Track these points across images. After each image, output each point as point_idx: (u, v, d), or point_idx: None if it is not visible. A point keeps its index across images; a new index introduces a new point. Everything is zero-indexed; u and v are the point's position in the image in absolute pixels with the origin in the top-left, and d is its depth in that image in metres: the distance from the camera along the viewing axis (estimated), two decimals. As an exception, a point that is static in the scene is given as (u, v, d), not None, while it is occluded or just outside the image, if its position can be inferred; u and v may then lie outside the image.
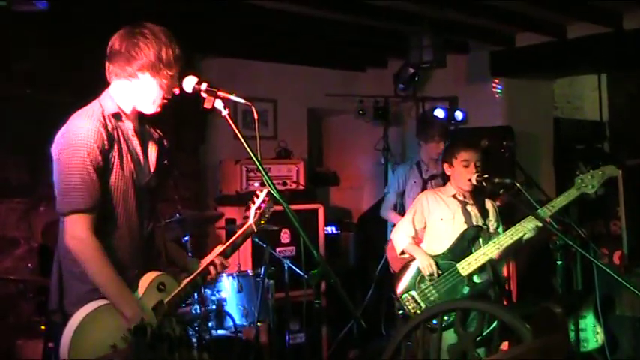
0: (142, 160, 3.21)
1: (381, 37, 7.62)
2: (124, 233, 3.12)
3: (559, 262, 5.52)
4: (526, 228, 4.74)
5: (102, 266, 2.97)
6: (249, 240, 6.30)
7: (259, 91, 7.59)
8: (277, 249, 6.44)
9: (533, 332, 2.02)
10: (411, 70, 7.64)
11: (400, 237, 5.12)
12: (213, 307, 5.40)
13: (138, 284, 3.13)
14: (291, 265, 5.97)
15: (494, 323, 3.88)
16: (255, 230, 3.52)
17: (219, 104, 3.12)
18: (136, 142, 3.19)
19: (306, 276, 5.69)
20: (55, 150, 3.04)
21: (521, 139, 7.65)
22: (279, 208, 3.21)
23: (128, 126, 3.17)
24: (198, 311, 5.20)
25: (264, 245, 5.86)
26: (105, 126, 3.03)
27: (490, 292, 5.04)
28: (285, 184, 7.23)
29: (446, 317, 3.84)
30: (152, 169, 3.26)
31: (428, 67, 7.52)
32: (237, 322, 5.46)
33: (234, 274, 5.64)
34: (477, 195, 5.04)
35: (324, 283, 6.40)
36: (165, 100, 3.21)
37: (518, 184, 4.88)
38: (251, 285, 5.65)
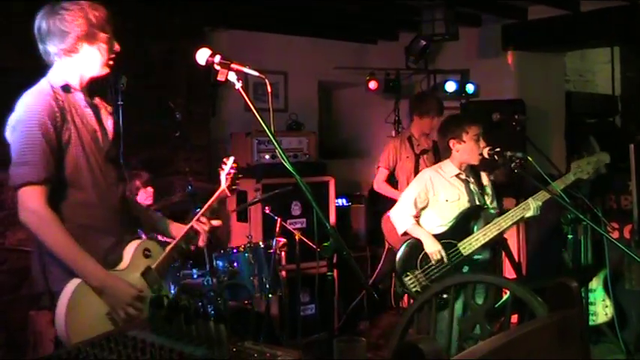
0: (98, 131, 3.20)
1: (393, 9, 7.58)
2: (95, 203, 3.12)
3: (570, 237, 5.54)
4: (526, 210, 4.72)
5: (58, 237, 2.96)
6: (260, 212, 6.40)
7: (270, 64, 7.58)
8: (288, 221, 6.46)
9: (548, 307, 2.03)
10: (423, 43, 7.61)
11: (402, 218, 5.02)
12: (225, 278, 5.43)
13: (122, 253, 3.18)
14: (303, 238, 5.99)
15: (506, 296, 3.90)
16: (229, 194, 3.72)
17: (232, 77, 3.12)
18: (89, 113, 3.18)
19: (318, 249, 5.72)
20: (8, 130, 3.04)
21: (532, 112, 7.63)
22: (290, 180, 3.23)
23: (79, 97, 3.16)
24: (211, 283, 5.24)
25: (275, 217, 5.88)
26: (55, 99, 3.02)
27: (491, 267, 5.04)
28: (296, 156, 7.23)
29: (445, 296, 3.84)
30: (110, 138, 3.27)
31: (440, 40, 7.50)
32: (249, 293, 5.50)
33: (246, 246, 5.66)
34: (473, 170, 5.01)
35: (336, 255, 6.42)
36: (111, 61, 3.22)
37: (530, 158, 4.86)
38: (262, 257, 5.68)
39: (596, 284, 6.12)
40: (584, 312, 5.04)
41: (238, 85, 3.12)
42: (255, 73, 3.15)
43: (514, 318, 5.09)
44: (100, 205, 3.14)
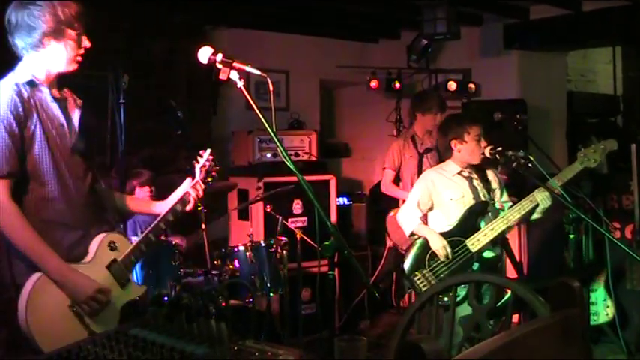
0: (65, 125, 3.21)
1: (394, 8, 7.58)
2: (59, 197, 3.14)
3: (571, 236, 5.53)
4: (533, 202, 4.71)
5: (22, 231, 2.99)
6: (261, 211, 6.40)
7: (271, 63, 7.57)
8: (289, 220, 6.45)
9: (550, 307, 2.03)
10: (424, 42, 7.60)
11: (408, 219, 5.02)
12: (226, 277, 5.43)
13: (88, 247, 3.20)
14: (304, 236, 5.99)
15: (507, 296, 3.89)
16: (203, 187, 3.67)
17: (234, 75, 3.12)
18: (56, 107, 3.19)
19: (320, 248, 5.72)
20: None
21: (534, 112, 7.63)
22: (291, 179, 3.23)
23: (45, 92, 3.17)
24: (212, 281, 5.24)
25: (277, 216, 5.88)
26: (19, 94, 3.04)
27: (500, 265, 5.04)
28: (297, 155, 7.23)
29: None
30: (76, 132, 3.27)
31: (441, 39, 7.49)
32: (250, 292, 5.49)
33: (247, 245, 5.66)
34: (477, 168, 5.00)
35: (337, 254, 6.43)
36: (80, 57, 3.23)
37: (531, 157, 4.85)
38: (263, 256, 5.67)
39: (597, 284, 6.12)
40: (586, 312, 5.03)
41: (240, 84, 3.11)
42: (257, 72, 3.14)
43: (515, 318, 5.09)
44: (63, 200, 3.16)
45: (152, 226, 3.46)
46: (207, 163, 3.74)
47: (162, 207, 3.58)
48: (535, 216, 4.83)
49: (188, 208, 3.60)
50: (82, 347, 2.13)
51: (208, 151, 3.78)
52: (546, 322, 1.89)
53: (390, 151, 6.71)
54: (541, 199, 4.68)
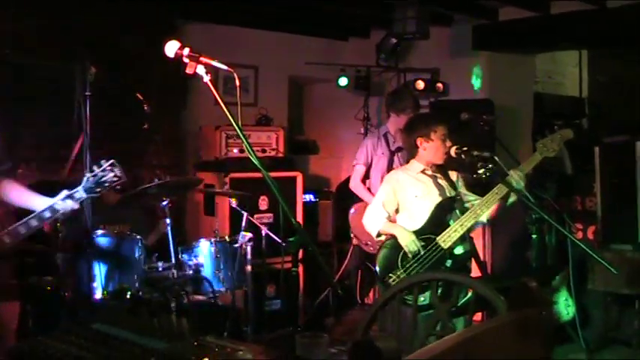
0: None
1: (365, 6, 7.59)
2: None
3: (534, 236, 5.58)
4: (499, 194, 4.72)
5: None
6: (227, 206, 6.39)
7: (241, 58, 7.55)
8: (255, 216, 6.45)
9: (510, 307, 2.05)
10: (394, 41, 7.63)
11: (373, 220, 4.99)
12: (190, 272, 5.41)
13: None
14: (269, 233, 5.98)
15: (469, 294, 3.92)
16: (85, 195, 3.68)
17: (201, 70, 3.13)
18: None
19: (284, 244, 5.72)
20: None
21: (501, 112, 7.67)
22: (258, 175, 3.22)
23: None
24: (176, 276, 5.20)
25: (242, 212, 5.87)
26: None
27: (468, 263, 5.05)
28: (264, 151, 7.24)
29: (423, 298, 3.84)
30: None
31: (410, 39, 7.52)
32: (214, 287, 5.48)
33: (212, 240, 5.64)
34: (442, 168, 5.02)
35: (302, 251, 6.42)
36: None
37: (496, 158, 4.87)
38: (228, 251, 5.66)
39: (559, 284, 6.18)
40: (548, 311, 5.07)
41: (206, 79, 3.13)
42: (224, 67, 3.15)
43: (479, 316, 5.13)
44: None
45: (16, 224, 3.60)
46: (100, 173, 3.70)
47: (41, 205, 3.68)
48: (511, 199, 4.82)
49: (54, 217, 3.68)
50: (42, 342, 2.12)
51: (110, 161, 3.74)
52: (503, 320, 1.91)
53: (363, 147, 6.68)
54: (515, 181, 4.68)
